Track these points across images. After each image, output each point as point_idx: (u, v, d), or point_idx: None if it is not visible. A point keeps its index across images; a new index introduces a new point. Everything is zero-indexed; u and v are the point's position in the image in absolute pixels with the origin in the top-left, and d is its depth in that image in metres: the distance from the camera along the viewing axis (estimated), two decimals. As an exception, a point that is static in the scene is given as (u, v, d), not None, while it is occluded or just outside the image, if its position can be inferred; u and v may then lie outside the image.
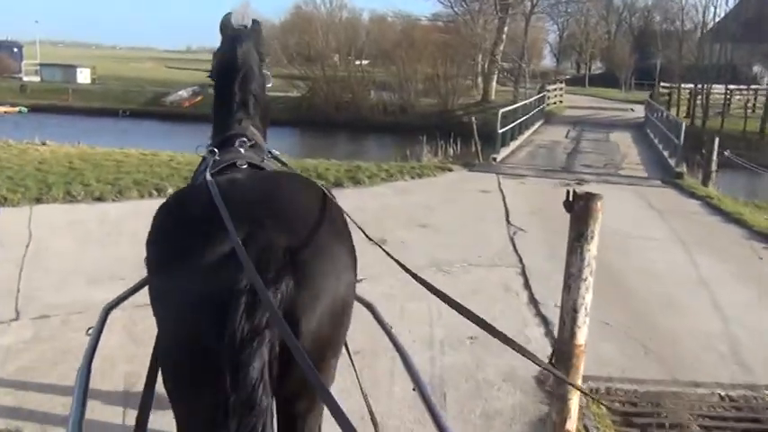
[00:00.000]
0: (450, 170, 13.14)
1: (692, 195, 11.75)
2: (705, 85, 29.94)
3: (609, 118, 29.90)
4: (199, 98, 37.32)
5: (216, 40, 2.99)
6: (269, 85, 2.92)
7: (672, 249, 7.99)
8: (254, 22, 2.85)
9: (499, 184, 11.91)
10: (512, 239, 8.11)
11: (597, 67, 68.00)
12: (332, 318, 1.68)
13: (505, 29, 35.61)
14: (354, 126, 32.92)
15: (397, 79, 37.03)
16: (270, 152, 2.63)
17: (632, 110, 34.93)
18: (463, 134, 29.46)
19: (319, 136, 31.84)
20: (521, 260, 7.20)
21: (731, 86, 30.38)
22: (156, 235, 1.80)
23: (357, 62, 43.85)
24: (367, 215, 7.98)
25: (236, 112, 2.64)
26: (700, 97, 30.12)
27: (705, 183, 13.45)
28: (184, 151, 14.53)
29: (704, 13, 34.67)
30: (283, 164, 2.66)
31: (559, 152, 17.42)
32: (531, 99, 23.67)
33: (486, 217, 9.31)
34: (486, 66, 37.98)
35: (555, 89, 33.11)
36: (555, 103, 32.88)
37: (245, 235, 1.58)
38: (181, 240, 1.69)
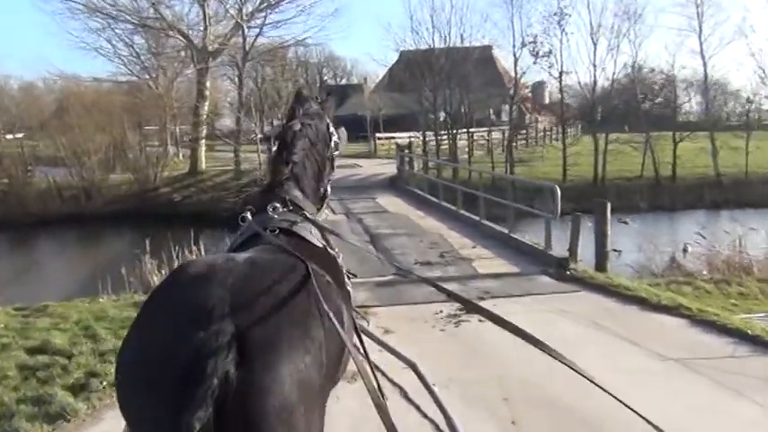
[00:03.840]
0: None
1: (645, 304, 7.29)
2: (457, 130, 27.78)
3: (347, 178, 25.70)
4: None
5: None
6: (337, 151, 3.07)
7: None
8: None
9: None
10: None
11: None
12: (281, 407, 1.61)
13: (207, 84, 29.61)
14: (17, 223, 23.34)
15: (70, 153, 28.23)
16: (305, 215, 2.50)
17: (359, 165, 31.58)
18: (178, 218, 22.78)
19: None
20: None
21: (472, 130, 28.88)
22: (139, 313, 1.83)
23: (9, 136, 34.11)
24: None
25: (279, 175, 2.64)
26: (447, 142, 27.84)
27: (602, 267, 9.29)
28: None
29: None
30: (317, 226, 2.51)
31: (355, 240, 12.06)
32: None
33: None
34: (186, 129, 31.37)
35: (276, 150, 28.04)
36: (277, 166, 27.81)
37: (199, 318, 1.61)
38: (148, 314, 1.78)
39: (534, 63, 28.36)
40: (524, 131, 38.52)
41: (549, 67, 28.40)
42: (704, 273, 10.98)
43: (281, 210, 2.40)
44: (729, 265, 11.25)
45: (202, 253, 12.91)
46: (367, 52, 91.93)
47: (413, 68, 30.21)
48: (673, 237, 15.93)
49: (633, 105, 30.80)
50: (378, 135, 37.12)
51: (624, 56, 28.62)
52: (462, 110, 29.46)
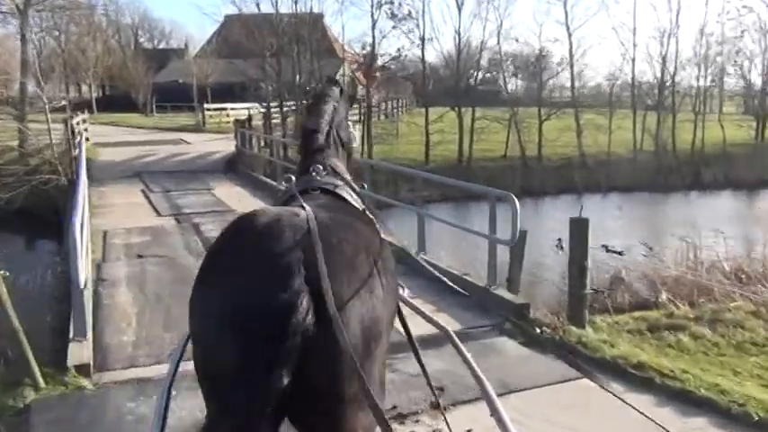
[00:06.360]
0: None
1: (719, 412, 4.33)
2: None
3: (172, 158, 21.11)
4: None
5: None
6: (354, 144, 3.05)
7: None
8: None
9: None
10: None
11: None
12: (355, 360, 1.58)
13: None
14: None
15: None
16: (344, 179, 2.54)
17: (185, 141, 26.84)
18: None
19: None
20: None
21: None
22: (210, 257, 1.80)
23: None
24: None
25: (318, 145, 2.66)
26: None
27: (578, 318, 6.25)
28: None
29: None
30: (356, 191, 2.54)
31: (193, 263, 8.12)
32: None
33: None
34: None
35: (79, 122, 22.41)
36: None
37: (279, 277, 1.60)
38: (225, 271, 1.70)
39: (394, 27, 25.27)
40: (379, 106, 35.46)
41: (409, 32, 25.45)
42: (664, 298, 8.49)
43: (323, 172, 2.42)
44: (684, 287, 8.91)
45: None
46: (196, 4, 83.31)
47: (250, 30, 25.83)
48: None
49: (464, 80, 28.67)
50: (207, 106, 32.24)
51: (490, 24, 26.65)
52: (309, 80, 25.77)
